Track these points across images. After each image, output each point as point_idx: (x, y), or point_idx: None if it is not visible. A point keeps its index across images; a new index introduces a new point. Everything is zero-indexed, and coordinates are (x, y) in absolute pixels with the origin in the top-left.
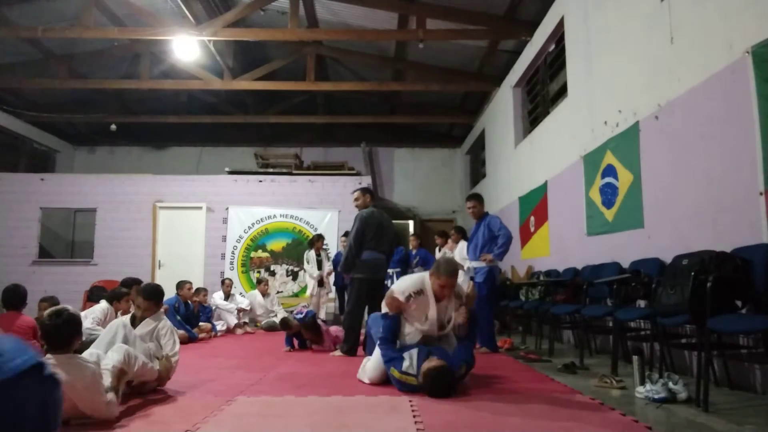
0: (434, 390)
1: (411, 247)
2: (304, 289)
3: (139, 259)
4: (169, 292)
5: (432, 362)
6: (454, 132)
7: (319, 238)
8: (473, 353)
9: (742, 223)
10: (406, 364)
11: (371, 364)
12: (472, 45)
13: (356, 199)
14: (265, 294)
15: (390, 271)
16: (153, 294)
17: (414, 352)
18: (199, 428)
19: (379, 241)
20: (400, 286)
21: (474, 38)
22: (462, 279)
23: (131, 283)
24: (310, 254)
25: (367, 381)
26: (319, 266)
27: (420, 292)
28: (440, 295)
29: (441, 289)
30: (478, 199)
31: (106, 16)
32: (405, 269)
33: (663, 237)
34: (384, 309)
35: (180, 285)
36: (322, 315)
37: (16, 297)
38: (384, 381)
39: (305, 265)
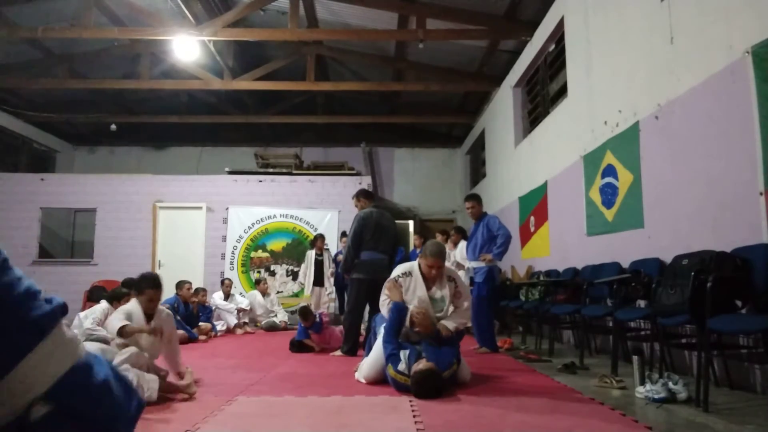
0: (421, 391)
1: (415, 246)
2: (303, 289)
3: (139, 259)
4: (169, 292)
5: (420, 364)
6: (454, 132)
7: (320, 237)
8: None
9: (742, 223)
10: (401, 365)
11: (368, 363)
12: (472, 45)
13: (354, 205)
14: (264, 294)
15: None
16: (156, 281)
17: (407, 352)
18: (199, 428)
19: (378, 242)
20: (393, 272)
21: (474, 38)
22: (462, 279)
23: (132, 283)
24: (310, 254)
25: (363, 380)
26: (320, 266)
27: (408, 274)
28: (429, 276)
29: (429, 269)
30: (476, 199)
31: (106, 16)
32: None
33: (663, 237)
34: (385, 298)
35: (179, 285)
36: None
37: None
38: (380, 381)
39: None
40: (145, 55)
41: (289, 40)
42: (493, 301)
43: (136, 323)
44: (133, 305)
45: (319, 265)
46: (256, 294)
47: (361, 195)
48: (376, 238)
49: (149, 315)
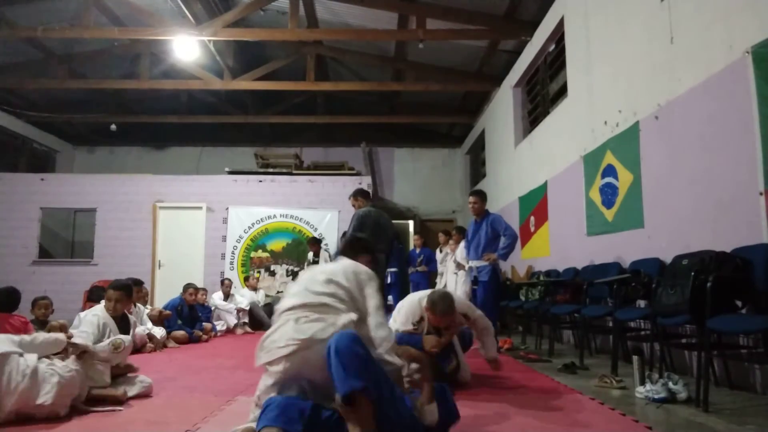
0: None
1: (414, 246)
2: None
3: (139, 259)
4: (170, 293)
5: None
6: (454, 132)
7: (312, 242)
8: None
9: (742, 223)
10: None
11: None
12: (472, 45)
13: (352, 205)
14: (255, 290)
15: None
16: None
17: None
18: (199, 428)
19: (377, 240)
20: (403, 317)
21: (474, 38)
22: (464, 279)
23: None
24: (309, 255)
25: None
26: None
27: (421, 320)
28: (437, 327)
29: (437, 324)
30: (481, 195)
31: (106, 16)
32: (404, 268)
33: (663, 237)
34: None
35: (185, 288)
36: None
37: (10, 300)
38: None
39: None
40: (145, 55)
41: (289, 40)
42: (498, 299)
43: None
44: (101, 312)
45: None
46: (247, 293)
47: (359, 194)
48: (375, 237)
49: (119, 318)
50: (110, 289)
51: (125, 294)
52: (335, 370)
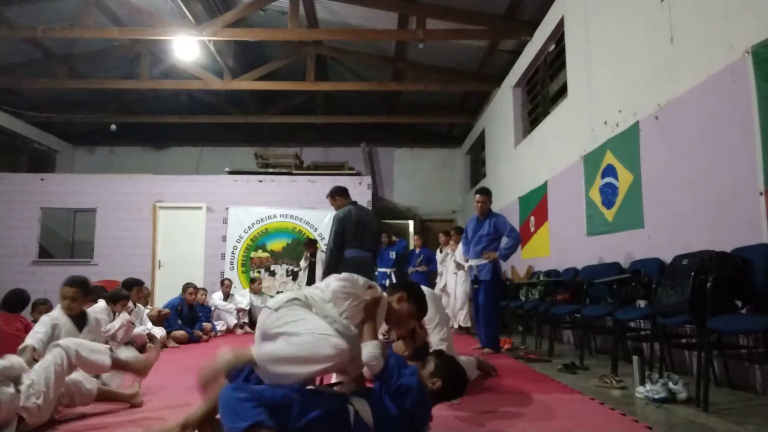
0: None
1: (414, 246)
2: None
3: (139, 259)
4: (170, 293)
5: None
6: (454, 132)
7: (307, 244)
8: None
9: (742, 223)
10: None
11: None
12: (472, 45)
13: (331, 205)
14: (257, 293)
15: (387, 270)
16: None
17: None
18: None
19: (362, 239)
20: None
21: (474, 38)
22: (463, 279)
23: (132, 284)
24: (306, 255)
25: None
26: (312, 267)
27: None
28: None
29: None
30: (488, 194)
31: (106, 16)
32: (403, 268)
33: (663, 237)
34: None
35: (185, 288)
36: None
37: (18, 301)
38: None
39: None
40: (145, 55)
41: (289, 40)
42: (500, 297)
43: (64, 331)
44: (56, 312)
45: (311, 267)
46: (247, 294)
47: (336, 193)
48: (360, 237)
49: (76, 317)
50: (65, 285)
51: (81, 292)
52: (227, 424)
